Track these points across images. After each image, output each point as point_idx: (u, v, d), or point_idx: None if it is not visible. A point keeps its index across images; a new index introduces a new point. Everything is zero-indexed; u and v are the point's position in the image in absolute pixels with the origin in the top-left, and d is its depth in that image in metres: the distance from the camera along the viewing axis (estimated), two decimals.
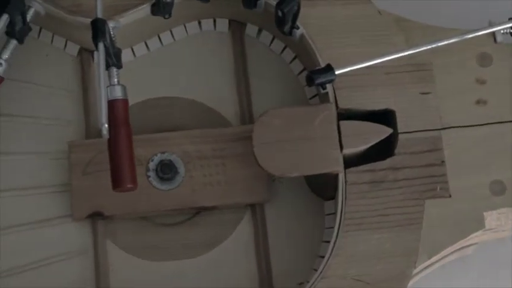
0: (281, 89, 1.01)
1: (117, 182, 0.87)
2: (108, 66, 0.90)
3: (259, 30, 1.01)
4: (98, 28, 0.89)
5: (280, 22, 0.93)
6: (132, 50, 1.01)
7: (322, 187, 0.96)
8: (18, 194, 0.97)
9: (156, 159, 0.96)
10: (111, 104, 0.88)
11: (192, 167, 0.96)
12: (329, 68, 0.90)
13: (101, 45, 0.88)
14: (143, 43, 1.01)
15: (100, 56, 0.88)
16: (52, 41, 1.01)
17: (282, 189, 0.98)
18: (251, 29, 1.02)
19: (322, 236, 0.96)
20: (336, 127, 0.91)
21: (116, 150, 0.88)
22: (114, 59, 0.90)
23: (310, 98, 0.99)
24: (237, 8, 0.99)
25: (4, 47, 0.92)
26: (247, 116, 1.00)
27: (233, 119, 1.00)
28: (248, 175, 0.96)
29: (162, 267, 0.97)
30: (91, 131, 0.99)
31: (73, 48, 1.01)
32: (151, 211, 0.97)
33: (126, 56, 0.96)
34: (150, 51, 1.02)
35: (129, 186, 0.87)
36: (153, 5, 0.95)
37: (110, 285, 0.95)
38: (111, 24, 0.91)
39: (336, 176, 0.91)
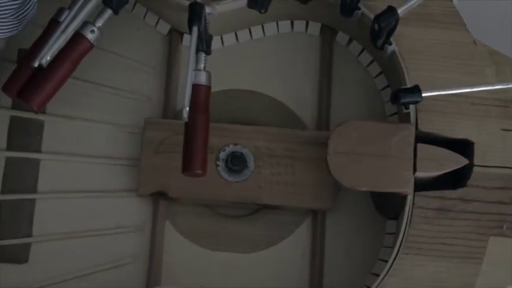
0: (362, 101, 1.01)
1: (187, 166, 0.88)
2: (197, 51, 0.90)
3: (350, 40, 1.01)
4: (195, 12, 0.89)
5: (374, 35, 0.93)
6: (222, 38, 1.02)
7: (387, 206, 0.96)
8: (90, 161, 0.98)
9: (228, 150, 0.97)
10: (195, 88, 0.89)
11: (261, 163, 0.96)
12: (416, 89, 0.90)
13: (195, 29, 0.89)
14: (233, 33, 1.02)
15: (192, 39, 0.89)
16: (145, 16, 1.02)
17: (345, 200, 0.98)
18: (342, 37, 1.02)
19: (378, 253, 0.96)
20: (412, 149, 0.90)
21: (192, 135, 0.88)
22: (204, 45, 0.90)
23: (389, 115, 0.99)
24: (332, 14, 0.99)
25: (99, 15, 0.93)
26: (323, 122, 1.00)
27: (309, 122, 1.00)
28: (316, 181, 0.96)
29: (215, 256, 0.97)
30: (168, 111, 1.00)
31: (164, 27, 1.02)
32: (214, 200, 0.97)
33: (214, 43, 0.96)
34: (238, 43, 1.02)
35: (198, 172, 0.88)
36: None
37: (161, 265, 0.96)
38: (207, 10, 0.92)
39: (404, 197, 0.91)
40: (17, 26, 0.89)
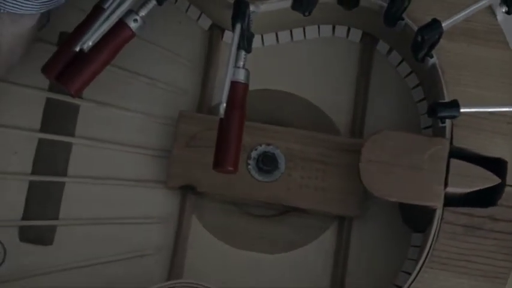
0: (397, 111, 1.00)
1: (219, 162, 0.88)
2: (238, 48, 0.90)
3: (390, 49, 1.01)
4: (240, 9, 0.89)
5: (416, 47, 0.93)
6: (262, 38, 1.02)
7: (415, 218, 0.95)
8: (121, 149, 0.99)
9: (260, 149, 0.97)
10: (233, 85, 0.89)
11: (292, 165, 0.96)
12: (455, 104, 0.90)
13: (238, 27, 0.89)
14: (274, 34, 1.02)
15: (235, 36, 0.89)
16: (187, 10, 1.03)
17: (373, 209, 0.98)
18: (382, 46, 1.01)
19: (401, 265, 0.95)
20: (445, 163, 0.90)
21: (227, 131, 0.88)
22: (245, 43, 0.91)
23: (424, 128, 0.99)
24: (374, 23, 0.99)
25: (143, 4, 0.93)
26: (357, 129, 1.00)
27: (342, 127, 1.00)
28: (346, 187, 0.95)
29: (238, 254, 0.97)
30: (203, 106, 1.00)
31: (205, 22, 1.02)
32: (242, 198, 0.97)
33: (255, 42, 0.96)
34: (278, 43, 1.02)
35: (229, 168, 0.88)
36: (295, 0, 0.95)
37: (185, 258, 0.97)
38: (251, 8, 0.92)
39: (433, 211, 0.90)
40: (38, 8, 0.89)
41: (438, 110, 0.90)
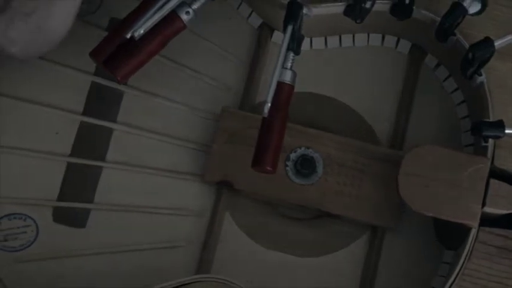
0: (440, 126, 1.00)
1: (258, 161, 0.88)
2: (287, 49, 0.90)
3: (438, 64, 1.01)
4: (293, 10, 0.89)
5: (466, 64, 0.92)
6: (311, 41, 1.02)
7: (449, 235, 0.95)
8: (161, 139, 0.99)
9: (299, 152, 0.97)
10: (279, 86, 0.89)
11: (330, 170, 0.96)
12: (500, 124, 0.89)
13: (289, 28, 0.89)
14: (323, 38, 1.02)
15: (285, 38, 0.89)
16: (239, 7, 1.03)
17: (407, 222, 0.97)
18: (430, 60, 1.01)
19: (431, 281, 0.95)
20: (485, 183, 0.90)
21: (269, 131, 0.88)
22: (295, 45, 0.90)
23: (465, 146, 0.98)
24: (425, 36, 0.98)
25: None
26: (398, 141, 0.99)
27: (383, 137, 1.00)
28: (382, 197, 0.95)
29: (268, 255, 0.97)
30: (245, 103, 1.00)
31: (256, 21, 1.02)
32: (277, 199, 0.97)
33: (303, 44, 0.95)
34: (327, 48, 1.02)
35: (268, 168, 0.88)
36: (348, 6, 0.95)
37: (214, 254, 0.97)
38: (304, 11, 0.92)
39: (468, 229, 0.90)
40: None
41: (483, 129, 0.89)
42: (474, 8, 0.95)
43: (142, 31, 0.89)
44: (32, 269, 0.95)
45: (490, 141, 0.92)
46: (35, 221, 0.96)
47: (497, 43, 0.90)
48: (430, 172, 0.90)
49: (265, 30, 1.02)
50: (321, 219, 0.98)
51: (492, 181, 0.90)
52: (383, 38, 1.02)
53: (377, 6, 0.95)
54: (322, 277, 0.97)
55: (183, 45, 1.00)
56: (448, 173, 0.90)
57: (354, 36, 1.02)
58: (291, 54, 0.91)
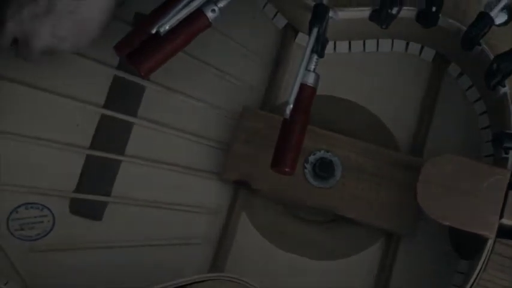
0: (460, 136, 1.00)
1: (277, 162, 0.88)
2: (311, 52, 0.90)
3: (461, 73, 1.00)
4: (319, 13, 0.89)
5: (490, 74, 0.92)
6: (335, 44, 1.01)
7: (464, 245, 0.95)
8: (180, 135, 0.99)
9: (319, 154, 0.96)
10: (301, 87, 0.89)
11: (348, 175, 0.96)
12: None
13: (315, 30, 0.89)
14: (347, 42, 1.02)
15: (310, 40, 0.89)
16: (264, 7, 1.03)
17: (423, 230, 0.97)
18: (454, 69, 1.01)
19: None
20: (503, 195, 0.89)
21: (289, 133, 0.89)
22: (319, 47, 0.91)
23: (485, 156, 0.98)
24: (449, 44, 0.98)
25: None
26: (417, 148, 0.99)
27: (403, 144, 1.00)
28: (399, 205, 0.95)
29: (282, 256, 0.97)
30: (267, 104, 1.00)
31: (280, 21, 1.02)
32: (294, 200, 0.97)
33: (327, 48, 0.95)
34: (350, 52, 1.02)
35: (287, 170, 0.88)
36: (374, 11, 0.95)
37: (229, 253, 0.97)
38: (329, 14, 0.92)
39: (485, 240, 0.90)
40: None
41: (504, 140, 0.89)
42: (501, 19, 0.95)
43: (167, 27, 0.89)
44: (47, 259, 0.96)
45: (511, 152, 0.92)
46: (51, 212, 0.97)
47: None
48: (449, 181, 0.90)
49: (289, 32, 1.02)
50: (336, 223, 0.98)
51: (511, 193, 0.90)
52: (407, 44, 1.01)
53: (403, 13, 0.95)
54: (335, 281, 0.97)
55: (207, 42, 1.00)
56: (467, 183, 0.90)
57: (378, 42, 1.02)
58: (315, 57, 0.91)
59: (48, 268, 0.96)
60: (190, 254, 0.97)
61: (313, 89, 0.91)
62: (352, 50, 1.02)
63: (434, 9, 0.94)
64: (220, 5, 0.93)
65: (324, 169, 0.96)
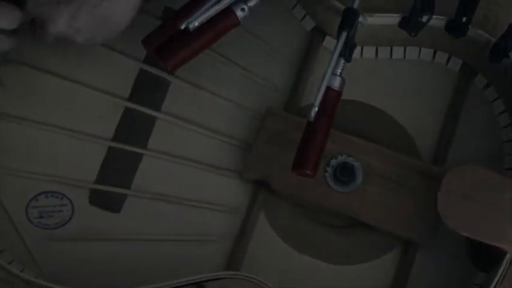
0: (483, 147, 0.99)
1: (299, 164, 0.88)
2: (338, 56, 0.90)
3: (487, 85, 1.00)
4: (349, 18, 0.89)
5: None
6: (362, 49, 1.01)
7: (482, 257, 0.94)
8: (203, 132, 0.99)
9: (340, 159, 0.96)
10: (327, 91, 0.89)
11: (369, 180, 0.96)
12: None
13: (344, 34, 0.89)
14: (374, 48, 1.02)
15: (338, 44, 0.89)
16: (293, 8, 1.03)
17: (440, 240, 0.96)
18: (480, 80, 1.00)
19: None
20: None
21: (313, 136, 0.88)
22: (347, 52, 0.90)
23: (507, 169, 0.97)
24: (477, 55, 0.98)
25: None
26: (440, 158, 0.99)
27: (425, 153, 0.99)
28: (419, 213, 0.95)
29: (299, 258, 0.97)
30: (291, 105, 1.00)
31: (308, 24, 1.02)
32: (313, 203, 0.97)
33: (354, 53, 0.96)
34: (377, 58, 1.02)
35: (308, 173, 0.88)
36: (404, 18, 0.95)
37: (246, 252, 0.97)
38: (359, 19, 0.92)
39: (503, 254, 0.89)
40: None
41: None
42: None
43: (197, 23, 0.89)
44: (64, 248, 0.96)
45: None
46: (71, 201, 0.97)
47: None
48: (471, 192, 0.89)
49: (317, 34, 1.02)
50: (355, 228, 0.97)
51: None
52: (434, 53, 1.01)
53: (432, 22, 0.95)
54: (350, 286, 0.97)
55: (234, 41, 1.00)
56: (488, 195, 0.89)
57: (405, 49, 1.01)
58: (342, 61, 0.91)
59: (65, 258, 0.96)
60: (206, 252, 0.97)
61: (339, 93, 0.90)
62: (379, 56, 1.02)
63: (464, 19, 0.93)
64: (250, 4, 0.93)
65: (345, 173, 0.96)
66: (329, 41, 1.01)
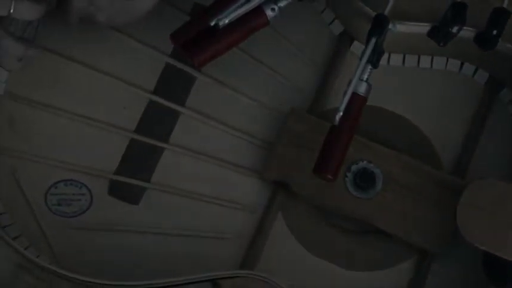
0: (505, 162, 0.99)
1: (321, 168, 0.88)
2: (366, 62, 0.90)
3: None
4: (379, 24, 0.89)
5: None
6: (389, 56, 1.01)
7: (497, 271, 0.94)
8: (225, 130, 0.99)
9: (361, 165, 0.96)
10: (352, 96, 0.89)
11: (389, 188, 0.96)
12: None
13: (373, 41, 0.89)
14: (401, 55, 1.01)
15: (367, 50, 0.88)
16: (323, 12, 1.03)
17: (456, 252, 0.96)
18: (505, 94, 1.00)
19: None
20: None
21: (336, 140, 0.88)
22: (375, 58, 0.90)
23: None
24: (503, 69, 0.97)
25: None
26: (461, 169, 0.98)
27: (446, 164, 0.99)
28: (436, 223, 0.94)
29: (312, 260, 0.97)
30: (315, 108, 1.00)
31: (337, 28, 1.02)
32: (332, 207, 0.97)
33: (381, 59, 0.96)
34: (404, 66, 1.02)
35: (329, 177, 0.88)
36: (433, 28, 0.95)
37: (261, 252, 0.97)
38: (389, 26, 0.91)
39: None
40: None
41: None
42: None
43: (227, 21, 0.89)
44: (81, 237, 0.96)
45: None
46: (90, 191, 0.97)
47: None
48: (490, 206, 0.89)
49: (345, 39, 1.02)
50: (371, 235, 0.97)
51: None
52: (461, 64, 1.01)
53: (462, 33, 0.94)
54: None
55: (263, 41, 0.99)
56: (506, 209, 0.89)
57: (432, 59, 1.01)
58: (369, 67, 0.90)
59: (81, 246, 0.96)
60: (222, 249, 0.97)
61: (364, 99, 0.90)
62: (405, 64, 1.02)
63: (495, 32, 0.93)
64: (281, 4, 0.93)
65: (365, 180, 0.96)
66: (356, 46, 1.01)
